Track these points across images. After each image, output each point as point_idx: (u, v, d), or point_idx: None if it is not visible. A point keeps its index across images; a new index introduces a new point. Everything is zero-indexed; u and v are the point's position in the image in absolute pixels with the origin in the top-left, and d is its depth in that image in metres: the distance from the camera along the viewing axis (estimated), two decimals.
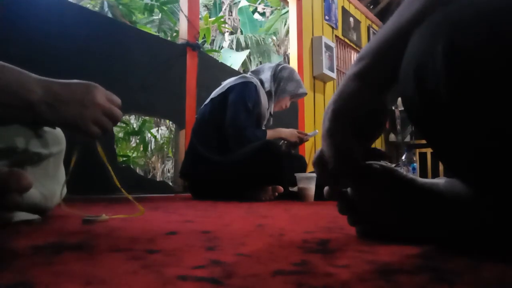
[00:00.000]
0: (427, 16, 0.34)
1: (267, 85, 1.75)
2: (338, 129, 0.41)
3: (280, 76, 1.79)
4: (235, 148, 1.57)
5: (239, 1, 6.75)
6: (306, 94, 1.90)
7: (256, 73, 1.82)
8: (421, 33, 0.33)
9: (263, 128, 1.77)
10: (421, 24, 0.34)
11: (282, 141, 1.77)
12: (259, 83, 1.73)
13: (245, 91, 1.64)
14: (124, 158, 4.32)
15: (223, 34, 6.66)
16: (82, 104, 0.57)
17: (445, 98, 0.30)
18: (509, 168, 0.30)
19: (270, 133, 1.66)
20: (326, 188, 0.47)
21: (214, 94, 1.74)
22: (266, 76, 1.77)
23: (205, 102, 1.75)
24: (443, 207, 0.41)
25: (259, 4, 7.13)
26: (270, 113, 1.81)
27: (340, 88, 0.42)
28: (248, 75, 1.79)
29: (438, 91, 0.30)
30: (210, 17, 5.27)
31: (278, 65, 1.83)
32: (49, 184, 0.65)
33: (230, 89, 1.68)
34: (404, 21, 0.38)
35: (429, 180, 0.44)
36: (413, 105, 0.33)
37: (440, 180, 0.43)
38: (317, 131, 1.91)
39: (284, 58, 6.36)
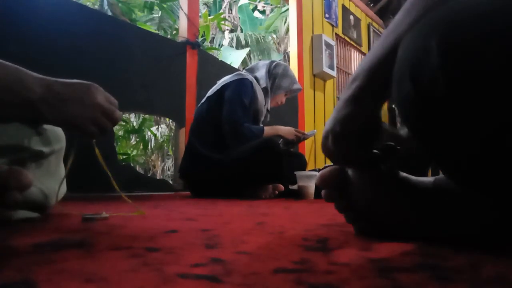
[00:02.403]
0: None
1: (262, 82, 1.77)
2: (339, 152, 0.45)
3: (275, 72, 1.81)
4: (231, 144, 1.58)
5: None
6: (300, 89, 1.92)
7: (251, 71, 1.84)
8: (414, 33, 0.33)
9: (261, 125, 1.78)
10: (410, 30, 0.34)
11: (281, 139, 1.78)
12: (254, 80, 1.74)
13: (241, 88, 1.65)
14: (124, 156, 4.33)
15: (223, 32, 6.65)
16: (82, 104, 0.57)
17: (441, 94, 0.30)
18: (507, 166, 0.30)
19: (268, 130, 1.67)
20: (323, 191, 0.47)
21: (210, 92, 1.74)
22: (261, 73, 1.79)
23: (202, 101, 1.76)
24: (439, 204, 0.41)
25: (259, 2, 7.11)
26: (267, 109, 1.83)
27: (336, 112, 0.44)
28: (243, 72, 1.79)
29: (434, 87, 0.30)
30: (209, 15, 5.26)
31: (271, 62, 1.86)
32: (50, 182, 0.65)
33: (225, 86, 1.69)
34: (395, 39, 0.39)
35: (424, 178, 0.44)
36: (409, 104, 0.33)
37: (436, 178, 0.44)
38: (315, 130, 1.91)
39: (284, 56, 6.35)
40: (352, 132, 0.43)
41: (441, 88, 0.29)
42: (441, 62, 0.29)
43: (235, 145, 1.57)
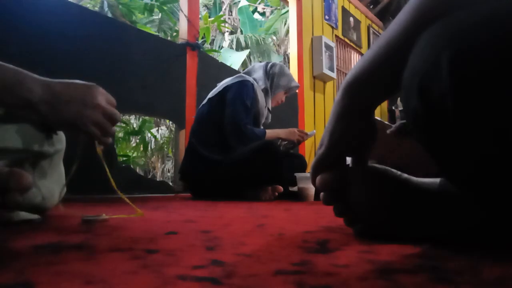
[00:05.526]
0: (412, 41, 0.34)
1: (261, 83, 1.79)
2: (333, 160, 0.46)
3: (272, 72, 1.84)
4: (234, 144, 1.58)
5: (239, 1, 6.74)
6: (298, 86, 1.95)
7: (248, 73, 1.85)
8: (422, 46, 0.33)
9: (261, 127, 1.79)
10: (419, 38, 0.34)
11: (280, 141, 1.79)
12: (255, 82, 1.75)
13: (243, 90, 1.66)
14: (124, 158, 4.33)
15: (223, 33, 6.66)
16: (83, 105, 0.57)
17: (451, 109, 0.30)
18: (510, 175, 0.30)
19: (269, 133, 1.68)
20: (322, 194, 0.47)
21: (211, 94, 1.76)
22: (259, 74, 1.81)
23: (203, 103, 1.77)
24: (438, 206, 0.41)
25: (259, 4, 7.13)
26: (268, 109, 1.84)
27: (331, 125, 0.45)
28: (244, 74, 1.81)
29: (444, 103, 0.30)
30: (210, 17, 5.27)
31: (267, 63, 1.88)
32: (49, 183, 0.65)
33: (227, 88, 1.70)
34: (392, 43, 0.39)
35: (425, 180, 0.44)
36: (418, 118, 0.33)
37: (436, 180, 0.44)
38: (314, 131, 1.92)
39: (284, 58, 6.36)
40: (343, 152, 0.46)
41: (451, 104, 0.29)
42: (451, 81, 0.29)
43: (237, 146, 1.57)
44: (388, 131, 0.52)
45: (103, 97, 0.60)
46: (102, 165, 0.63)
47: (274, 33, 6.69)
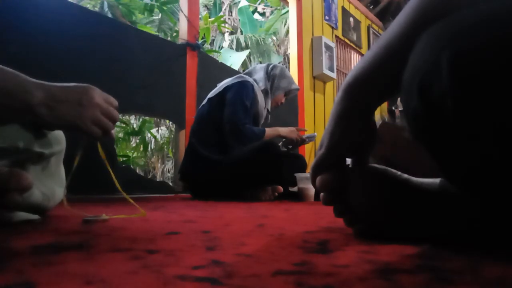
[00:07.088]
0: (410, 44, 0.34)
1: (261, 84, 1.79)
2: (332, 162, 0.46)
3: (273, 74, 1.85)
4: (233, 144, 1.59)
5: (239, 1, 6.74)
6: (298, 89, 1.96)
7: (249, 74, 1.86)
8: (422, 46, 0.33)
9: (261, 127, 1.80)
10: (419, 38, 0.34)
11: (282, 140, 1.79)
12: (255, 84, 1.75)
13: (242, 90, 1.67)
14: (124, 158, 4.33)
15: (223, 34, 6.66)
16: (80, 105, 0.58)
17: (451, 109, 0.30)
18: (507, 176, 0.30)
19: (269, 132, 1.68)
20: (322, 194, 0.47)
21: (211, 94, 1.76)
22: (260, 76, 1.82)
23: (203, 103, 1.77)
24: (438, 206, 0.41)
25: (259, 4, 7.13)
26: (267, 110, 1.84)
27: (331, 126, 0.45)
28: (244, 75, 1.81)
29: (444, 103, 0.30)
30: (210, 17, 5.27)
31: (268, 64, 1.89)
32: (50, 183, 0.65)
33: (227, 88, 1.70)
34: (392, 44, 0.39)
35: (425, 180, 0.44)
36: (418, 118, 0.33)
37: (436, 180, 0.44)
38: (315, 133, 1.92)
39: (284, 58, 6.36)
40: (343, 153, 0.46)
41: (451, 104, 0.29)
42: (451, 81, 0.29)
43: (236, 145, 1.58)
44: (406, 134, 0.51)
45: (100, 97, 0.61)
46: (105, 164, 0.63)
47: (274, 34, 6.69)
